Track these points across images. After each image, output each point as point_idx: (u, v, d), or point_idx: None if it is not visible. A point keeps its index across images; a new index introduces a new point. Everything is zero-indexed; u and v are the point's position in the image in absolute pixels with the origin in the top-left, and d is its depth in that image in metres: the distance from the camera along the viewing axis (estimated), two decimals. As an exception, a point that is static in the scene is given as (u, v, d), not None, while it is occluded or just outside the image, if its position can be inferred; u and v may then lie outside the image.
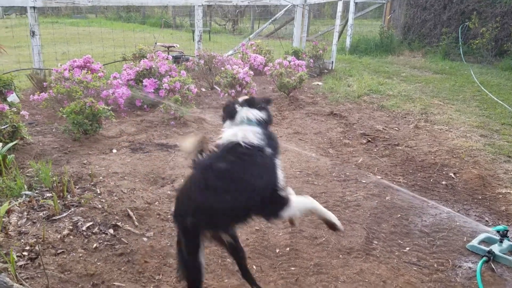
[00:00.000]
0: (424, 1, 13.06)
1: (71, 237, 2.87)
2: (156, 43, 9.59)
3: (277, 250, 2.95)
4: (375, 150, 4.91)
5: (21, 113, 4.57)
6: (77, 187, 3.53)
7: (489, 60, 11.07)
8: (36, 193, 3.34)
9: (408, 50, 12.66)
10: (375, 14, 20.27)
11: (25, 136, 4.37)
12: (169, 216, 3.26)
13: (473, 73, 9.37)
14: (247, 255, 2.85)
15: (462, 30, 12.12)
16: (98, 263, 2.67)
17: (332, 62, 9.63)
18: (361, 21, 19.18)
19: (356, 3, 12.20)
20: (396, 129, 5.64)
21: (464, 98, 7.32)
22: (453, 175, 4.23)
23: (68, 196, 3.34)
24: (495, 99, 7.15)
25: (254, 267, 2.74)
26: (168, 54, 7.50)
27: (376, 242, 3.08)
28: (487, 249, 2.91)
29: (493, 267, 2.81)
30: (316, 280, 2.64)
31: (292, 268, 2.75)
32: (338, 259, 2.87)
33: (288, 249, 2.96)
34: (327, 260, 2.85)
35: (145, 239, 2.98)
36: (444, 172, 4.30)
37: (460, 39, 12.05)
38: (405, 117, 6.16)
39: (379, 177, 4.16)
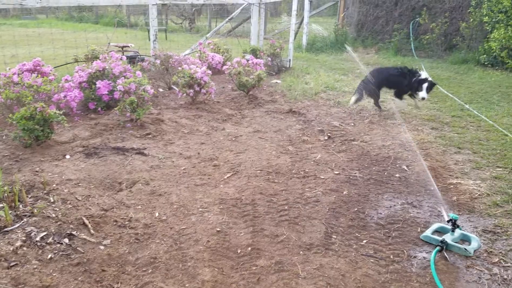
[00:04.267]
0: (376, -2, 13.44)
1: (25, 248, 2.76)
2: (109, 43, 9.35)
3: (239, 251, 2.95)
4: (332, 146, 5.01)
5: (-34, 120, 4.33)
6: (29, 196, 3.39)
7: (439, 55, 11.54)
8: (-15, 204, 3.18)
9: (362, 47, 12.99)
10: (330, 12, 20.66)
11: (-30, 144, 4.15)
12: (126, 223, 3.20)
13: (424, 68, 9.74)
14: (209, 258, 2.85)
15: (413, 26, 12.57)
16: (54, 274, 2.58)
17: (290, 60, 9.73)
18: (317, 19, 19.48)
19: (311, 2, 12.39)
20: (352, 124, 5.78)
21: (416, 93, 7.58)
22: (406, 168, 4.39)
23: (20, 206, 3.20)
24: (445, 92, 7.47)
25: (216, 269, 2.73)
26: (123, 54, 7.33)
27: (334, 236, 3.15)
28: (440, 238, 3.04)
29: (446, 256, 2.94)
30: (278, 278, 2.67)
31: (254, 268, 2.77)
32: (298, 255, 2.91)
33: (249, 248, 2.97)
34: (288, 257, 2.89)
35: (102, 247, 2.90)
36: (397, 165, 4.45)
37: (411, 35, 12.49)
38: (360, 113, 6.32)
39: (337, 172, 4.25)
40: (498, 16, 9.27)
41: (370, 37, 13.45)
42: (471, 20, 10.59)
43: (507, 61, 9.38)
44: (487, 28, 9.90)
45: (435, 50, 11.72)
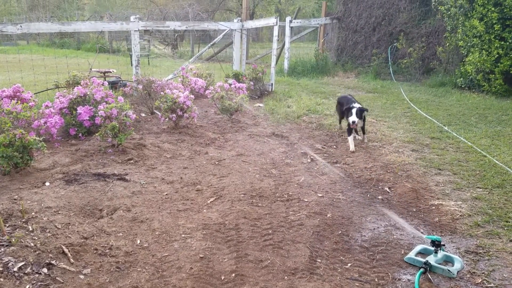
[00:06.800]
0: (355, 24, 13.80)
1: (1, 279, 2.67)
2: (91, 69, 9.32)
3: (223, 277, 2.90)
4: (315, 168, 5.03)
5: None
6: (7, 225, 3.29)
7: (417, 78, 11.82)
8: (-41, 235, 3.07)
9: (342, 71, 13.25)
10: (310, 37, 21.10)
11: None
12: (107, 251, 3.13)
13: (403, 91, 9.96)
14: (192, 286, 2.79)
15: (391, 51, 12.90)
16: (31, 307, 2.49)
17: (272, 84, 9.85)
18: (298, 44, 19.86)
19: (291, 27, 12.63)
20: (334, 147, 5.83)
21: (395, 115, 7.73)
22: (388, 190, 4.42)
23: (-3, 235, 3.11)
24: (424, 114, 7.62)
25: (199, 296, 2.68)
26: (105, 80, 7.31)
27: (319, 260, 3.12)
28: (424, 260, 3.04)
29: (430, 277, 2.94)
30: (262, 305, 2.62)
31: (238, 294, 2.72)
32: (283, 281, 2.88)
33: (233, 275, 2.92)
34: (273, 283, 2.85)
35: (81, 276, 2.82)
36: (379, 187, 4.49)
37: (389, 59, 12.80)
38: (342, 135, 6.39)
39: (320, 195, 4.26)
40: (473, 40, 9.59)
41: (349, 61, 13.74)
42: (447, 44, 10.93)
43: (483, 84, 9.66)
44: (463, 52, 10.22)
45: (413, 73, 12.01)
